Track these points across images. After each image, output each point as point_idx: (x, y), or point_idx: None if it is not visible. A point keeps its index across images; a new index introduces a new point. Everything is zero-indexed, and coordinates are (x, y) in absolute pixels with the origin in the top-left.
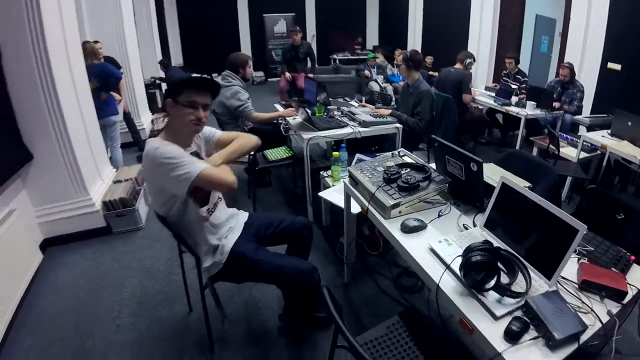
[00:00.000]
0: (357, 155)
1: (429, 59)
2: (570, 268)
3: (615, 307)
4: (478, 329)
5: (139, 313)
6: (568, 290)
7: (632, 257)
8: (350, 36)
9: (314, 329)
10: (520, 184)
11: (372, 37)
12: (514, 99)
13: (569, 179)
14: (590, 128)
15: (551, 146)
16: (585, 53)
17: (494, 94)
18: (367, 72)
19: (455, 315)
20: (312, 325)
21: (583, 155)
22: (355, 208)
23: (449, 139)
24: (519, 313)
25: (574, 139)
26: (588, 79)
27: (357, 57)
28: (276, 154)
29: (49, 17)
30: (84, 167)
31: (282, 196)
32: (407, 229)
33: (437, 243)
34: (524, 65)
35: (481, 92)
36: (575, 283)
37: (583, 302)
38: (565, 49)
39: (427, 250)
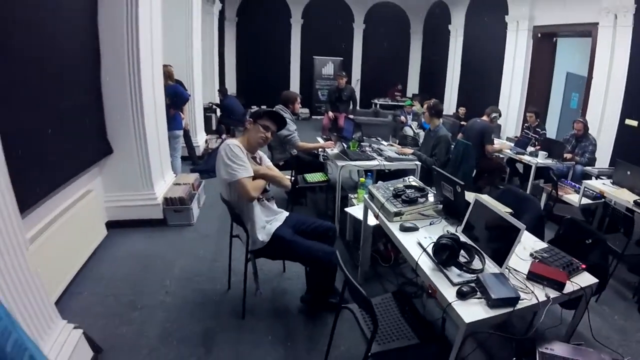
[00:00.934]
0: (379, 182)
1: (461, 110)
2: (524, 265)
3: (554, 294)
4: (439, 290)
5: (185, 285)
6: (517, 278)
7: (583, 266)
8: (392, 83)
9: (326, 311)
10: (502, 209)
11: (413, 85)
12: (530, 149)
13: None
14: (598, 178)
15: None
16: (606, 109)
17: (513, 144)
18: (402, 118)
19: (426, 282)
20: (326, 308)
21: (586, 201)
22: (372, 221)
23: (466, 182)
24: (472, 285)
25: (579, 186)
26: (607, 133)
27: (396, 103)
28: (314, 177)
29: (143, 42)
30: (153, 167)
31: (315, 215)
32: (403, 229)
33: (423, 238)
34: (554, 120)
35: (501, 142)
36: (524, 274)
37: (527, 286)
38: (587, 105)
39: (416, 243)
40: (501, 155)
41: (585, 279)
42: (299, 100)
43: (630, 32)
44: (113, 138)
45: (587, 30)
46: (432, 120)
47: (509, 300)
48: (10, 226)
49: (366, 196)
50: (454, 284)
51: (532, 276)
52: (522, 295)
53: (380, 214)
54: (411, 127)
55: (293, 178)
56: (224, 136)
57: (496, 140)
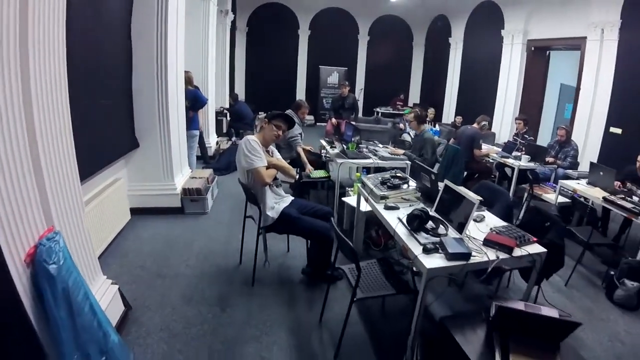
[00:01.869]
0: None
1: (458, 119)
2: (483, 235)
3: (503, 256)
4: (410, 248)
5: (203, 260)
6: (474, 244)
7: (535, 239)
8: (394, 93)
9: (324, 282)
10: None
11: (415, 95)
12: (516, 153)
13: None
14: (578, 179)
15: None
16: (592, 118)
17: (501, 149)
18: (401, 125)
19: (400, 244)
20: (323, 279)
21: (563, 200)
22: (364, 207)
23: (456, 183)
24: (435, 244)
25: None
26: (593, 140)
27: (397, 112)
28: (317, 174)
29: (170, 49)
30: (174, 161)
31: None
32: (387, 207)
33: (402, 215)
34: (548, 129)
35: (490, 147)
36: (481, 241)
37: (481, 249)
38: (575, 114)
39: (396, 218)
40: (491, 160)
41: (535, 248)
42: (307, 109)
43: (616, 46)
44: (140, 134)
45: (577, 44)
46: (419, 125)
47: (462, 255)
48: (74, 190)
49: (359, 185)
50: (421, 244)
51: (487, 242)
52: (477, 254)
53: (370, 198)
54: (409, 134)
55: (298, 174)
56: (234, 138)
57: (486, 146)
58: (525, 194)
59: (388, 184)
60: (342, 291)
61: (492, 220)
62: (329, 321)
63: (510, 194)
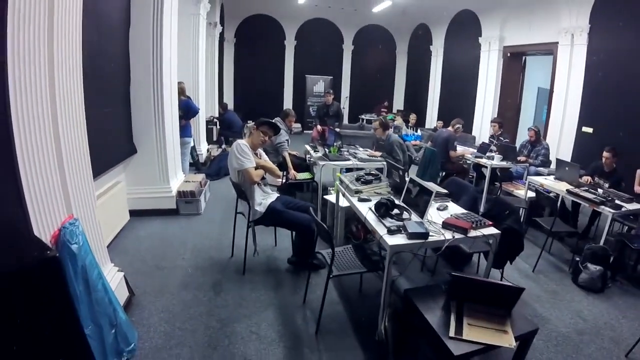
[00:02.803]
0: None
1: (439, 124)
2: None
3: (459, 236)
4: (377, 231)
5: (197, 254)
6: (434, 227)
7: (490, 223)
8: (379, 100)
9: (308, 270)
10: (440, 190)
11: (399, 101)
12: (490, 154)
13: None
14: (548, 176)
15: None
16: (565, 119)
17: (476, 150)
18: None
19: (370, 228)
20: (307, 267)
21: (531, 194)
22: (343, 202)
23: (435, 183)
24: (399, 227)
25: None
26: (566, 140)
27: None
28: (302, 176)
29: (165, 62)
30: (169, 166)
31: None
32: (360, 199)
33: (373, 205)
34: (526, 130)
35: (465, 149)
36: (440, 224)
37: (440, 231)
38: (549, 115)
39: (367, 208)
40: (468, 161)
41: (489, 230)
42: (294, 117)
43: (585, 50)
44: (138, 140)
45: (549, 49)
46: (383, 132)
47: (421, 234)
48: (89, 185)
49: (338, 182)
50: (386, 227)
51: (446, 225)
52: (434, 234)
53: (346, 193)
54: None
55: (285, 177)
56: (223, 146)
57: (461, 148)
58: (499, 192)
59: (362, 180)
60: (324, 277)
61: (455, 209)
62: (311, 302)
63: (484, 191)
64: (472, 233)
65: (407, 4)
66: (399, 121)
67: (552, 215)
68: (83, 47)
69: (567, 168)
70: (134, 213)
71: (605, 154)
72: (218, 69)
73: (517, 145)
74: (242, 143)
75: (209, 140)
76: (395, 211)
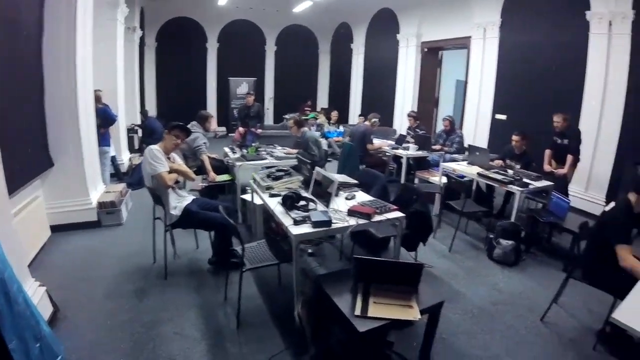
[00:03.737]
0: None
1: (360, 120)
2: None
3: (363, 221)
4: (284, 223)
5: (120, 263)
6: (339, 215)
7: (395, 208)
8: (303, 99)
9: (228, 269)
10: (349, 181)
11: (323, 100)
12: (405, 145)
13: (437, 196)
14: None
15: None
16: (480, 107)
17: (394, 143)
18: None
19: (278, 221)
20: (227, 267)
21: (445, 180)
22: (257, 200)
23: (353, 176)
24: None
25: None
26: (482, 127)
27: (306, 117)
28: (222, 178)
29: (80, 70)
30: (87, 177)
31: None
32: (271, 195)
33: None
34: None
35: (382, 141)
36: (345, 212)
37: (345, 218)
38: (465, 105)
39: (277, 203)
40: (388, 153)
41: (394, 214)
42: (210, 119)
43: (497, 43)
44: (55, 153)
45: (464, 43)
46: (298, 129)
47: (324, 222)
48: (3, 199)
49: (251, 181)
50: (292, 218)
51: (350, 212)
52: (339, 222)
53: (258, 190)
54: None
55: (205, 180)
56: None
57: (378, 141)
58: (416, 180)
59: (272, 176)
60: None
61: (363, 197)
62: (232, 299)
63: (402, 179)
64: (376, 218)
65: (328, 4)
66: (321, 119)
67: (467, 198)
68: None
69: (477, 153)
70: (55, 228)
71: (514, 137)
72: (139, 74)
73: (424, 134)
74: (155, 148)
75: (131, 148)
76: (302, 203)
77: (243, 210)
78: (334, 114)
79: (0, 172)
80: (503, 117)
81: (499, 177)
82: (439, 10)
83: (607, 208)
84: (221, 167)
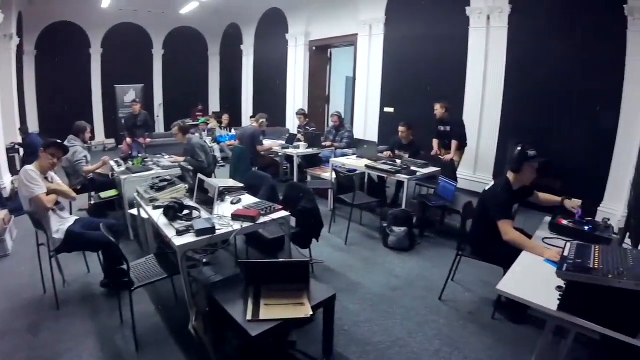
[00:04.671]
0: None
1: (252, 121)
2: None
3: (247, 225)
4: (168, 235)
5: (10, 299)
6: (224, 220)
7: (280, 207)
8: (194, 104)
9: (119, 289)
10: (233, 184)
11: (214, 104)
12: (296, 144)
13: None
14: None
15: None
16: (369, 101)
17: (284, 142)
18: (197, 135)
19: (162, 233)
20: (120, 287)
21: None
22: (144, 214)
23: (244, 179)
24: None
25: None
26: (372, 120)
27: (196, 123)
28: (107, 194)
29: None
30: None
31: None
32: (155, 207)
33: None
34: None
35: (273, 142)
36: (230, 217)
37: (229, 223)
38: (354, 100)
39: (160, 214)
40: (280, 153)
41: (279, 214)
42: (88, 130)
43: (382, 39)
44: None
45: (351, 41)
46: (183, 136)
47: (207, 230)
48: None
49: (135, 194)
50: (175, 229)
51: (234, 216)
52: (222, 227)
53: (142, 203)
54: (206, 142)
55: (91, 199)
56: None
57: (268, 141)
58: (309, 177)
59: (156, 187)
60: (138, 296)
61: (249, 200)
62: (128, 321)
63: (295, 178)
64: (262, 219)
65: (217, 4)
66: (213, 124)
67: (361, 190)
68: None
69: (366, 146)
70: None
71: (400, 128)
72: (17, 86)
73: (315, 131)
74: (30, 169)
75: (12, 170)
76: (185, 212)
77: (134, 225)
78: (225, 118)
79: None
80: (391, 110)
81: (387, 167)
82: (326, 9)
83: (487, 188)
84: (107, 182)
